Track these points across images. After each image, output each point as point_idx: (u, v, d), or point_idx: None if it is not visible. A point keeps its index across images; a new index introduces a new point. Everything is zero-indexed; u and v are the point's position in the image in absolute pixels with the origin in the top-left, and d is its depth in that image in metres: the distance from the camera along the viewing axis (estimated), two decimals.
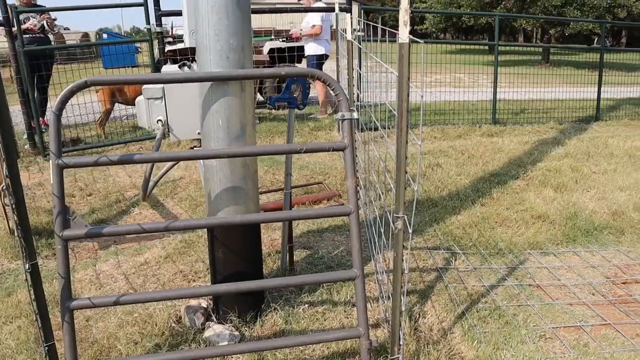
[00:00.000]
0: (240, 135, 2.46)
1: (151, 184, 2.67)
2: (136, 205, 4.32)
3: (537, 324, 2.75)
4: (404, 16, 2.13)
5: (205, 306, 2.76)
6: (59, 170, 2.05)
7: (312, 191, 4.65)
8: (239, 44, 2.38)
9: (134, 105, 6.88)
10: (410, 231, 2.18)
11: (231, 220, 2.26)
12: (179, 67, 2.60)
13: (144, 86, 2.56)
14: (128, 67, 12.88)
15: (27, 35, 6.30)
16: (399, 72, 2.19)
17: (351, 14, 3.88)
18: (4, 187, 1.87)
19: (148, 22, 5.65)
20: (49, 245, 3.65)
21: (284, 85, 2.82)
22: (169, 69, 2.75)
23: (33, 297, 2.09)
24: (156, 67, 5.95)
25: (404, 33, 2.14)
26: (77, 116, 6.46)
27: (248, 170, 2.53)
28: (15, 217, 1.98)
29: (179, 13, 6.28)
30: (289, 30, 8.68)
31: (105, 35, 19.56)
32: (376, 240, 3.33)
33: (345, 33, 4.27)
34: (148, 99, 2.56)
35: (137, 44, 15.23)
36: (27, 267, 2.03)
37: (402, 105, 2.21)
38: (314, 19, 7.13)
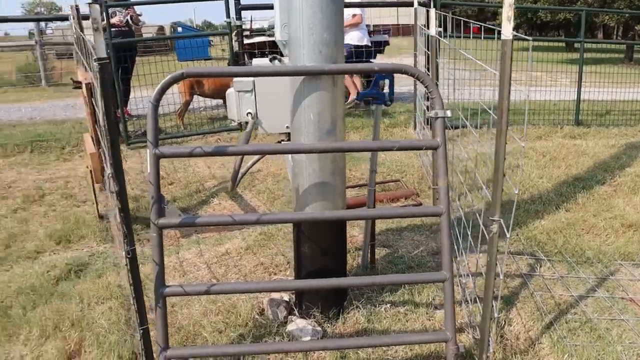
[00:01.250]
0: (330, 130, 2.45)
1: (239, 175, 2.72)
2: (215, 196, 4.43)
3: (634, 341, 2.58)
4: (507, 11, 2.04)
5: (288, 300, 2.78)
6: (156, 159, 2.11)
7: (389, 189, 4.60)
8: (331, 38, 2.37)
9: (212, 97, 7.10)
10: (508, 236, 2.09)
11: (321, 215, 2.26)
12: (270, 60, 2.62)
13: (235, 79, 2.60)
14: (201, 60, 13.24)
15: (113, 29, 6.59)
16: (500, 69, 2.10)
17: (435, 9, 3.78)
18: (110, 175, 1.94)
19: (228, 16, 5.76)
20: (134, 231, 3.81)
21: None
22: (260, 62, 2.78)
23: (131, 281, 2.17)
24: (235, 60, 6.08)
25: (507, 29, 2.05)
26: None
27: (337, 165, 2.52)
28: (118, 204, 2.06)
29: (258, 7, 6.39)
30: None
31: (179, 29, 20.20)
32: (460, 241, 3.24)
33: (427, 28, 4.17)
34: (238, 91, 2.59)
35: (210, 37, 15.62)
36: (126, 252, 2.11)
37: (502, 104, 2.12)
38: (354, 9, 7.07)
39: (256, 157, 2.79)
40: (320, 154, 2.45)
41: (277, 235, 3.61)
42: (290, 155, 2.71)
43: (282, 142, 2.75)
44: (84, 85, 2.92)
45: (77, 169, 5.19)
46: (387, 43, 8.05)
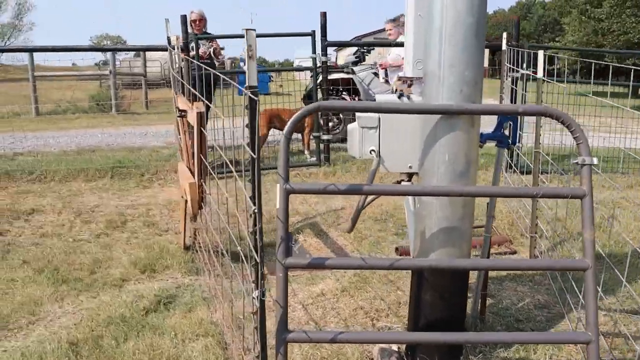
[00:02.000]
0: (464, 173, 2.29)
1: (352, 216, 2.58)
2: (300, 232, 4.31)
3: None
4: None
5: (398, 349, 2.58)
6: (286, 195, 2.00)
7: (480, 234, 4.35)
8: (473, 77, 2.24)
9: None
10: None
11: (461, 264, 2.08)
12: (398, 97, 2.51)
13: (359, 114, 2.49)
14: (261, 95, 13.43)
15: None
16: None
17: (543, 52, 3.63)
18: (255, 211, 1.83)
19: (314, 52, 5.77)
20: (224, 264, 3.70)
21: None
22: (384, 98, 2.67)
23: (257, 325, 2.03)
24: (308, 96, 6.05)
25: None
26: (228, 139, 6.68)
27: (467, 210, 2.35)
28: (254, 241, 1.95)
29: (345, 44, 6.44)
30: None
31: (242, 64, 20.68)
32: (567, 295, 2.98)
33: (533, 70, 4.00)
34: (362, 127, 2.48)
35: (270, 74, 15.90)
36: (256, 294, 1.98)
37: None
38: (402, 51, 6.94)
39: (371, 197, 2.65)
40: (452, 197, 2.29)
41: (372, 278, 3.43)
42: (411, 198, 2.56)
43: (402, 183, 2.60)
44: (192, 114, 2.88)
45: (157, 196, 5.20)
46: None
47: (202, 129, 2.83)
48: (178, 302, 3.27)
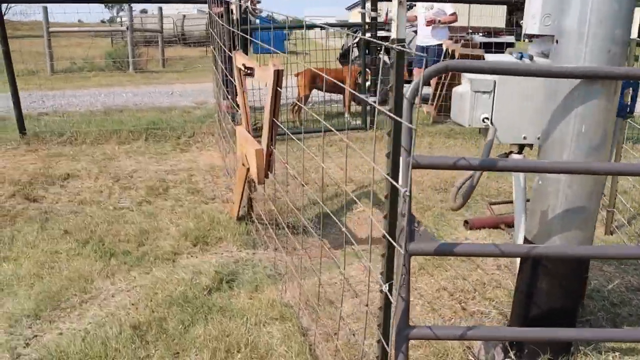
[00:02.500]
0: (600, 146, 1.99)
1: (458, 190, 2.29)
2: (356, 202, 4.02)
3: None
4: None
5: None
6: (410, 169, 1.71)
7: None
8: (622, 35, 1.90)
9: (332, 92, 6.70)
10: None
11: (594, 251, 1.80)
12: (519, 58, 2.17)
13: (471, 76, 2.16)
14: (277, 53, 12.94)
15: None
16: None
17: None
18: (406, 193, 1.54)
19: (364, 7, 5.36)
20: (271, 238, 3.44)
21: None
22: (498, 58, 2.34)
23: (381, 322, 1.77)
24: (343, 55, 5.67)
25: None
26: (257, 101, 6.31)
27: (597, 188, 2.06)
28: (387, 229, 1.67)
29: None
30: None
31: (257, 21, 19.99)
32: None
33: None
34: (475, 91, 2.16)
35: (287, 31, 15.32)
36: (385, 288, 1.71)
37: None
38: (451, 7, 6.53)
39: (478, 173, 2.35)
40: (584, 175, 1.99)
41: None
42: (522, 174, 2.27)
43: (512, 155, 2.29)
44: (267, 71, 2.55)
45: (198, 161, 4.90)
46: (511, 44, 7.51)
47: (279, 89, 2.51)
48: (240, 279, 3.02)
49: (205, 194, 4.18)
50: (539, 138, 2.13)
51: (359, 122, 6.15)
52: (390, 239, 1.64)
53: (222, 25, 4.97)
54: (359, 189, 4.28)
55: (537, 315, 2.22)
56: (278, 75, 2.46)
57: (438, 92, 5.93)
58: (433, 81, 6.80)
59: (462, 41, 5.38)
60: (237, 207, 3.54)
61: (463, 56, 5.37)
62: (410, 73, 7.06)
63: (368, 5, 5.27)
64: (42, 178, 4.39)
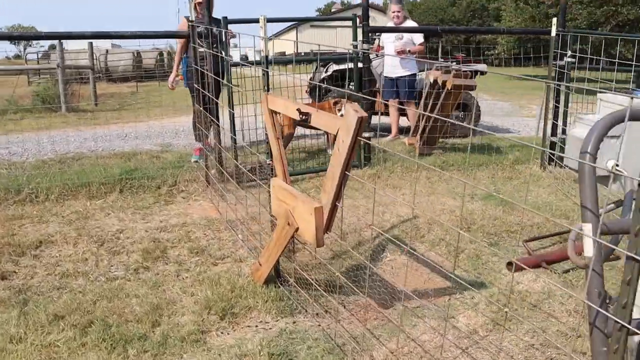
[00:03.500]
0: None
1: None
2: (385, 250, 3.68)
3: None
4: None
5: None
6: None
7: (559, 242, 3.92)
8: None
9: (316, 128, 6.28)
10: None
11: None
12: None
13: (594, 117, 1.93)
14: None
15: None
16: None
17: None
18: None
19: (355, 39, 5.09)
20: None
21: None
22: (618, 97, 2.11)
23: None
24: (314, 88, 5.36)
25: None
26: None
27: None
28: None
29: (386, 30, 5.80)
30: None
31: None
32: None
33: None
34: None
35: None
36: None
37: None
38: (420, 37, 6.57)
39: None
40: None
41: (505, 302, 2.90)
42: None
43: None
44: (347, 118, 2.18)
45: (190, 214, 4.34)
46: (483, 73, 7.54)
47: (358, 138, 2.15)
48: (298, 358, 2.57)
49: (211, 253, 3.67)
50: None
51: None
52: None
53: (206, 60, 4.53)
54: (378, 234, 3.94)
55: None
56: (361, 123, 2.11)
57: (421, 123, 5.76)
58: (411, 113, 6.67)
59: (454, 72, 5.27)
60: (268, 271, 3.09)
61: (456, 87, 5.25)
62: (386, 106, 6.90)
63: (360, 37, 5.03)
64: (8, 248, 3.67)
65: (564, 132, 5.24)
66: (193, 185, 4.87)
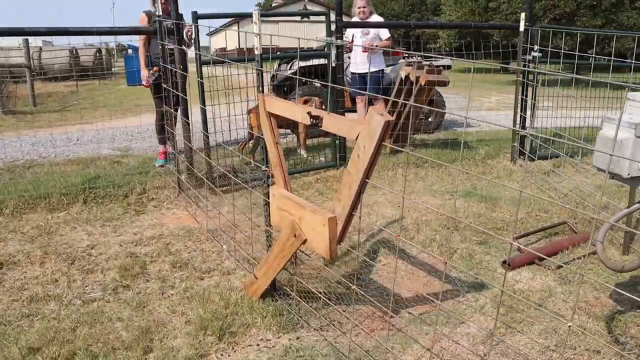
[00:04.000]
0: None
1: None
2: (376, 252, 3.56)
3: None
4: None
5: None
6: None
7: (545, 237, 3.94)
8: None
9: (287, 128, 6.07)
10: None
11: None
12: None
13: (628, 119, 1.87)
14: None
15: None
16: None
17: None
18: None
19: (329, 34, 4.92)
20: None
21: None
22: None
23: None
24: (278, 85, 5.19)
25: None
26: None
27: None
28: None
29: (360, 25, 5.63)
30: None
31: (130, 51, 18.41)
32: None
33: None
34: (638, 136, 1.87)
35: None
36: None
37: None
38: (386, 32, 6.52)
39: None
40: None
41: (524, 311, 2.86)
42: None
43: None
44: (371, 123, 2.04)
45: (166, 224, 4.04)
46: (449, 67, 7.55)
47: (382, 143, 2.01)
48: None
49: (195, 266, 3.43)
50: None
51: (322, 159, 5.65)
52: None
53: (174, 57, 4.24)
54: (370, 237, 3.83)
55: None
56: (387, 129, 1.97)
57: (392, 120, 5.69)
58: (380, 109, 6.57)
59: (426, 67, 5.21)
60: (266, 285, 2.90)
61: (430, 83, 5.19)
62: (354, 101, 6.77)
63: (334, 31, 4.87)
64: None
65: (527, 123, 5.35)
66: (164, 192, 4.56)
